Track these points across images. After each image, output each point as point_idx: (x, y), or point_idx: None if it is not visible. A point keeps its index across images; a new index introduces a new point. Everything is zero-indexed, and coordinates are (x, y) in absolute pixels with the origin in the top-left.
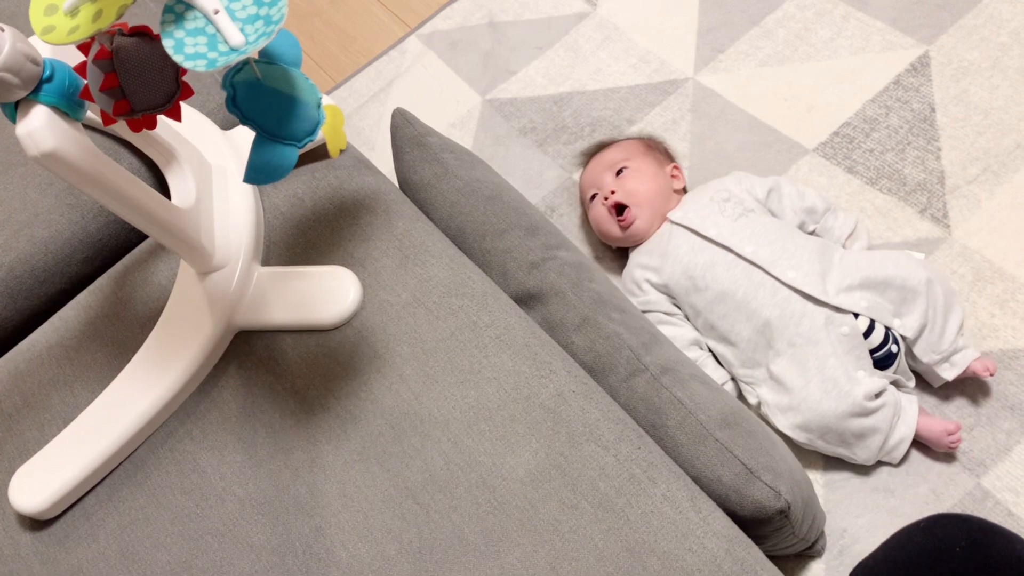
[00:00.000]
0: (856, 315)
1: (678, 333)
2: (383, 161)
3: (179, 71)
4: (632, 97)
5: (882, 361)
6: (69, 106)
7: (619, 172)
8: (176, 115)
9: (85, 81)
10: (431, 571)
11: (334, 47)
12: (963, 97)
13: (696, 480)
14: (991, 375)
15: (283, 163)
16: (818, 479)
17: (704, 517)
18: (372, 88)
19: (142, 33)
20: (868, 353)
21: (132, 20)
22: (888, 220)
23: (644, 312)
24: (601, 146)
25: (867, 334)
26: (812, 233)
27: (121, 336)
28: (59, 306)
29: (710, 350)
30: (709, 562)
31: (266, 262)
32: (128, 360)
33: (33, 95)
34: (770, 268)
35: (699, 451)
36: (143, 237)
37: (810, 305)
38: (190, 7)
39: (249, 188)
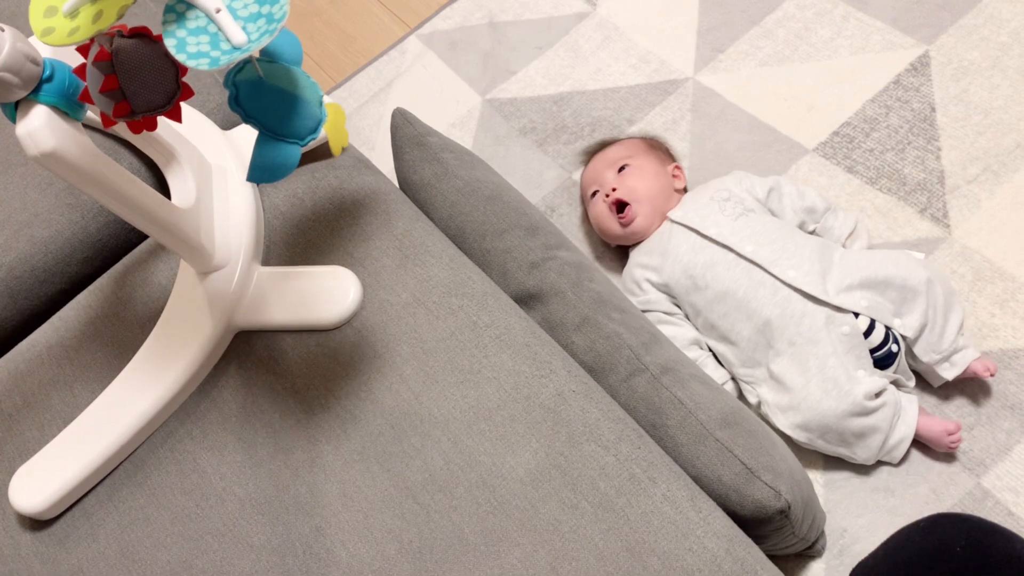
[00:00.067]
0: (856, 315)
1: (678, 333)
2: (383, 161)
3: (179, 71)
4: (632, 97)
5: (882, 361)
6: (69, 106)
7: (621, 169)
8: (176, 116)
9: (85, 83)
10: (431, 571)
11: (334, 47)
12: (963, 97)
13: (696, 480)
14: (991, 375)
15: (286, 161)
16: (818, 479)
17: (704, 517)
18: (372, 88)
19: (142, 34)
20: (868, 353)
21: (132, 20)
22: (888, 220)
23: (644, 312)
24: (603, 145)
25: (867, 334)
26: (812, 233)
27: (121, 336)
28: (59, 306)
29: (710, 350)
30: (709, 562)
31: (266, 262)
32: (128, 360)
33: (33, 95)
34: (770, 267)
35: (699, 451)
36: (143, 237)
37: (810, 304)
38: (191, 6)
39: (249, 188)
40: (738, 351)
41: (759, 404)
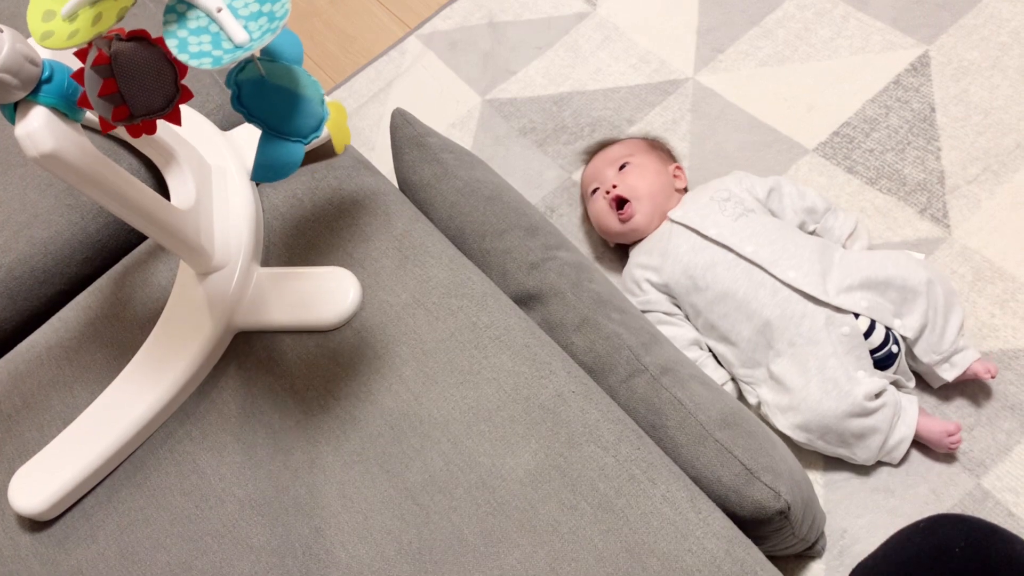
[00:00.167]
0: (856, 315)
1: (678, 333)
2: (383, 161)
3: (178, 74)
4: (632, 97)
5: (882, 361)
6: (68, 107)
7: (622, 168)
8: (176, 119)
9: (83, 88)
10: (430, 572)
11: (334, 47)
12: (963, 97)
13: (696, 481)
14: (992, 377)
15: (290, 160)
16: (818, 479)
17: (704, 518)
18: (372, 88)
19: (140, 37)
20: (868, 353)
21: (131, 22)
22: (888, 220)
23: (644, 312)
24: (603, 144)
25: (867, 334)
26: (812, 233)
27: (121, 337)
28: (59, 307)
29: (710, 350)
30: (709, 563)
31: (266, 263)
32: (128, 361)
33: (32, 96)
34: (770, 268)
35: (699, 452)
36: (143, 238)
37: (810, 305)
38: (192, 6)
39: (248, 189)
40: (738, 352)
41: (759, 405)
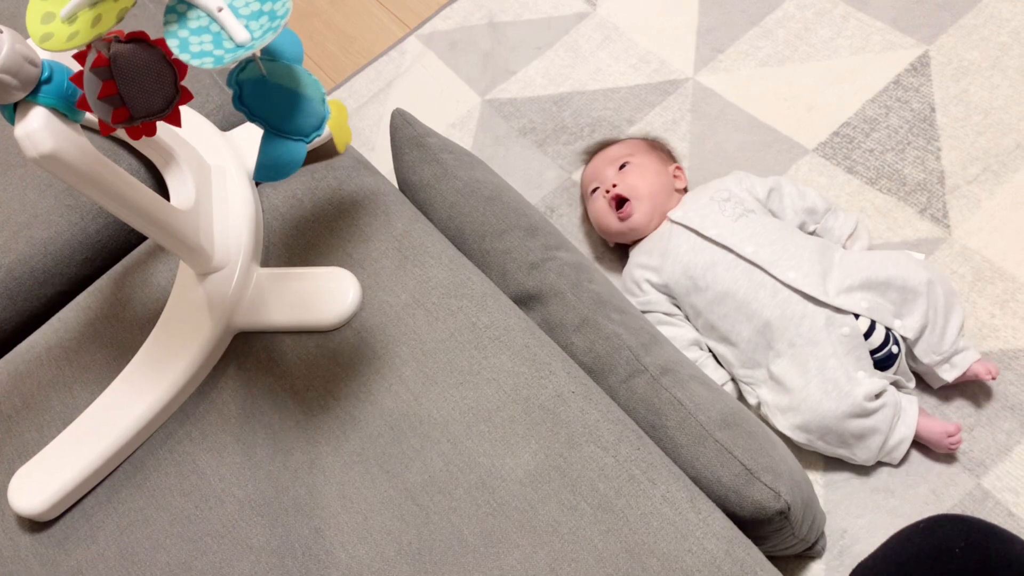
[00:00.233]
0: (857, 316)
1: (678, 333)
2: (383, 162)
3: (177, 75)
4: (632, 97)
5: (883, 362)
6: (68, 107)
7: (622, 167)
8: (176, 121)
9: (82, 91)
10: (430, 572)
11: (334, 47)
12: (963, 97)
13: (696, 481)
14: (993, 378)
15: (292, 159)
16: (818, 479)
17: (704, 518)
18: (372, 88)
19: (139, 39)
20: (868, 354)
21: (131, 23)
22: (888, 220)
23: (644, 312)
24: (604, 144)
25: (868, 335)
26: (812, 233)
27: (120, 337)
28: (58, 307)
29: (710, 350)
30: (708, 563)
31: (265, 263)
32: (127, 361)
33: (32, 96)
34: (770, 268)
35: (699, 452)
36: (142, 238)
37: (810, 306)
38: (192, 6)
39: (248, 189)
40: (738, 352)
41: (759, 405)
